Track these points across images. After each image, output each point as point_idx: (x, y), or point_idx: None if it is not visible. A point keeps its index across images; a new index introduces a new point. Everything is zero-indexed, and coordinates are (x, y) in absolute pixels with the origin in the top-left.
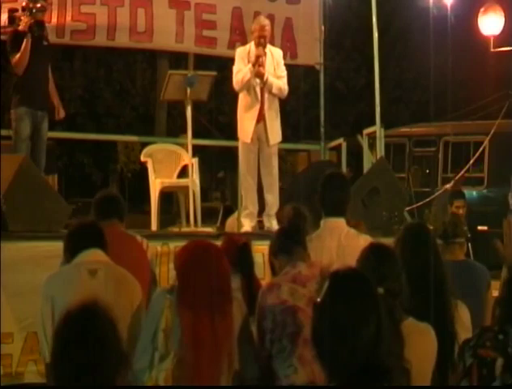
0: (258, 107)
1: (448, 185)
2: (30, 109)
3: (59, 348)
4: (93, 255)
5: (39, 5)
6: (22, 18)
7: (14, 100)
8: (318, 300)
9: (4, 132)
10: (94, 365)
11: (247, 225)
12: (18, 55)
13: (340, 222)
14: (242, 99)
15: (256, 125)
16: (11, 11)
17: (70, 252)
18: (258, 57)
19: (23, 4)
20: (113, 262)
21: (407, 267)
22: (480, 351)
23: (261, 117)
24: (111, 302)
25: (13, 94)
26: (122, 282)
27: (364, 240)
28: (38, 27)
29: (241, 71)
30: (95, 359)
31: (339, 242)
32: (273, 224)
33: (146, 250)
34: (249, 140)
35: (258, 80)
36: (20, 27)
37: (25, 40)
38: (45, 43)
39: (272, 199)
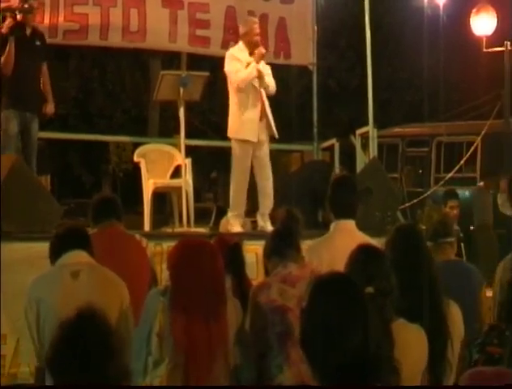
0: (259, 105)
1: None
2: (18, 111)
3: (57, 357)
4: (76, 257)
5: (26, 5)
6: (7, 19)
7: (3, 101)
8: (304, 303)
9: None
10: (95, 372)
11: (237, 226)
12: (3, 57)
13: (350, 224)
14: (242, 99)
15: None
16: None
17: (55, 255)
18: (262, 55)
19: (11, 5)
20: (96, 263)
21: (398, 268)
22: (488, 348)
23: (263, 116)
24: (95, 304)
25: (2, 95)
26: (106, 283)
27: (374, 242)
28: (19, 28)
29: (243, 70)
30: (96, 366)
31: (350, 244)
32: (267, 224)
33: (145, 248)
34: (256, 139)
35: (257, 79)
36: (3, 30)
37: (8, 42)
38: (38, 43)
39: (268, 199)
